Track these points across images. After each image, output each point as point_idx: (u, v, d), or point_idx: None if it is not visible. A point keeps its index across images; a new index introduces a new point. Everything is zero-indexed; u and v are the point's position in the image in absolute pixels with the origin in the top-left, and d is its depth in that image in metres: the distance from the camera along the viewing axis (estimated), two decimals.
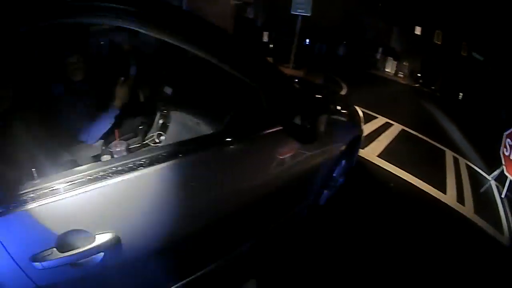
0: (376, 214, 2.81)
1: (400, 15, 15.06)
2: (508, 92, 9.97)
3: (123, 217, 0.97)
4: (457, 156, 5.05)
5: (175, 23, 1.04)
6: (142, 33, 0.98)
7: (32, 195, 0.82)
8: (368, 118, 5.60)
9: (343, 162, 2.49)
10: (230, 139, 1.29)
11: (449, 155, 5.03)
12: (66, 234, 0.86)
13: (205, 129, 1.81)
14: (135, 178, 0.97)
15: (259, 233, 1.80)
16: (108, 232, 0.91)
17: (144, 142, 2.15)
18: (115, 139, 1.84)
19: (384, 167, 3.86)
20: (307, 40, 12.79)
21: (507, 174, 3.69)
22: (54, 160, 1.52)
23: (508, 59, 10.69)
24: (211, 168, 1.25)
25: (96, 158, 1.81)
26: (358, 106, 2.98)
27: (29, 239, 0.82)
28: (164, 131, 2.16)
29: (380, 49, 15.43)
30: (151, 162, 1.01)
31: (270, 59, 5.19)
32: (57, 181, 0.87)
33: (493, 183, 4.13)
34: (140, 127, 2.15)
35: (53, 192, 0.85)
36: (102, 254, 0.91)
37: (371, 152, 4.20)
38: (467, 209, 3.34)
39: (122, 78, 1.82)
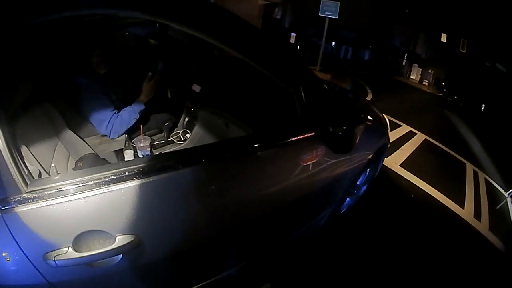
0: (393, 226, 2.81)
1: (426, 21, 14.86)
2: None
3: (145, 220, 0.92)
4: (477, 170, 5.07)
5: (210, 20, 1.04)
6: (173, 29, 1.01)
7: (49, 192, 0.79)
8: (393, 126, 5.66)
9: (368, 170, 2.45)
10: (258, 145, 1.21)
11: (470, 168, 5.05)
12: (86, 233, 0.83)
13: (233, 130, 1.76)
14: (160, 180, 0.92)
15: (278, 240, 1.73)
16: (129, 234, 0.89)
17: (169, 139, 2.11)
18: (140, 134, 1.79)
19: (406, 177, 3.92)
20: (333, 43, 12.84)
21: None
22: (75, 153, 1.51)
23: None
24: (236, 173, 1.17)
25: (119, 152, 1.80)
26: (382, 113, 2.92)
27: (44, 236, 0.79)
28: (190, 129, 2.12)
29: (406, 55, 15.27)
30: (178, 165, 0.96)
31: None
32: (77, 179, 0.83)
33: (509, 200, 4.08)
34: (165, 124, 2.10)
35: (72, 190, 0.81)
36: (120, 256, 0.89)
37: (394, 161, 4.26)
38: (483, 226, 3.33)
39: (150, 73, 1.75)
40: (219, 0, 7.37)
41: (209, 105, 1.97)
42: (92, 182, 0.83)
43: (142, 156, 1.82)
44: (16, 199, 0.76)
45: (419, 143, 5.57)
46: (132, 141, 1.81)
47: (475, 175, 4.87)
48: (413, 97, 11.02)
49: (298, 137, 1.31)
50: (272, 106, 1.55)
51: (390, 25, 15.58)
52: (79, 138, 1.57)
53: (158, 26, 2.32)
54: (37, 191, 0.78)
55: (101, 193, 0.83)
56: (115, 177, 0.86)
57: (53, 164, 0.99)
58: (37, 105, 1.41)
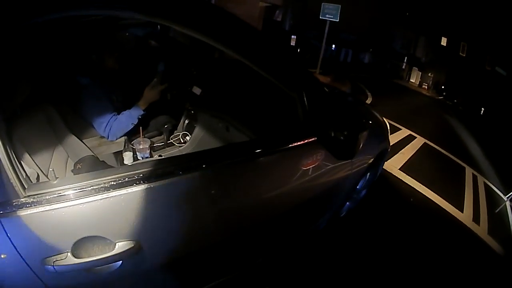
0: (392, 230, 2.82)
1: (427, 24, 14.92)
2: None
3: (145, 226, 0.91)
4: (476, 173, 5.09)
5: (211, 21, 1.03)
6: (173, 31, 1.00)
7: (47, 197, 0.78)
8: (393, 130, 5.55)
9: (368, 174, 2.45)
10: (259, 151, 1.19)
11: (469, 172, 5.07)
12: (85, 239, 0.82)
13: (233, 134, 1.75)
14: (161, 186, 0.91)
15: (278, 245, 1.71)
16: (129, 241, 0.87)
17: (169, 142, 2.09)
18: (139, 136, 1.78)
19: (405, 181, 3.92)
20: (333, 46, 12.89)
21: None
22: (74, 155, 1.49)
23: None
24: (236, 180, 1.15)
25: (118, 154, 1.77)
26: (382, 116, 2.93)
27: (43, 241, 0.78)
28: (190, 132, 2.10)
29: (406, 59, 15.33)
30: (178, 171, 0.95)
31: None
32: (76, 184, 0.82)
33: (508, 204, 4.10)
34: (165, 126, 2.09)
35: (71, 196, 0.80)
36: (120, 262, 0.88)
37: (393, 165, 4.27)
38: (481, 229, 3.34)
39: (155, 79, 1.74)
40: (219, 2, 7.49)
41: (209, 108, 1.96)
42: (91, 187, 0.82)
43: (141, 158, 1.81)
44: (13, 204, 0.74)
45: (419, 146, 5.59)
46: (132, 143, 1.80)
47: (474, 178, 4.89)
48: (413, 100, 11.07)
49: (300, 143, 1.30)
50: (273, 110, 1.53)
51: (390, 28, 15.65)
52: (78, 140, 1.56)
53: (159, 27, 2.31)
54: (35, 196, 0.76)
55: (101, 199, 0.82)
56: (114, 183, 0.84)
57: (51, 169, 0.99)
58: (36, 106, 1.39)
